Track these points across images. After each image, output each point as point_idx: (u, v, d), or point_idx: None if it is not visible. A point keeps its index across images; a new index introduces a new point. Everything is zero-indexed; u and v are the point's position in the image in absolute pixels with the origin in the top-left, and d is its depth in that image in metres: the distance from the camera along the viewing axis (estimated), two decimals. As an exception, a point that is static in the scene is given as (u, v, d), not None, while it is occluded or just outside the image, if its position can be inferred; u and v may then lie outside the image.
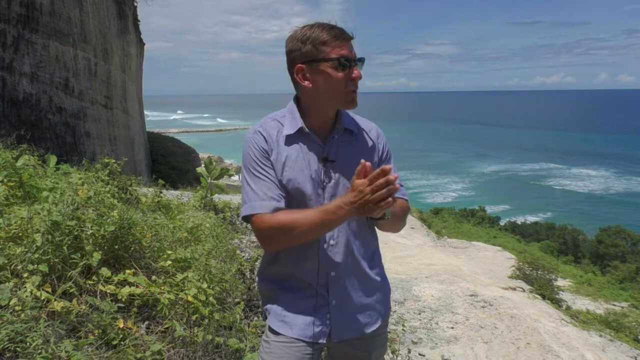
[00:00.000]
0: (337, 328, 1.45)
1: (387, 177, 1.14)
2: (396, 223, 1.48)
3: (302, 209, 1.38)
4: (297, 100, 1.47)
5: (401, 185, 1.51)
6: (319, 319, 1.43)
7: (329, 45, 1.33)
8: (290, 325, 1.44)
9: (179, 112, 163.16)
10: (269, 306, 1.51)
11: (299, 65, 1.37)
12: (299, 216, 1.31)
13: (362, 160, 1.20)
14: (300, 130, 1.41)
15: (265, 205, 1.34)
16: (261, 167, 1.39)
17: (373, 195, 1.15)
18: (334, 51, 1.33)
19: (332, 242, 1.42)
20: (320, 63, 1.34)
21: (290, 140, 1.41)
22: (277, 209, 1.34)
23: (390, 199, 1.16)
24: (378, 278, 1.53)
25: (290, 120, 1.43)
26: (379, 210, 1.18)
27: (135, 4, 17.82)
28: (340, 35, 1.34)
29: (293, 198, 1.41)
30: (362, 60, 1.38)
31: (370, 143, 1.51)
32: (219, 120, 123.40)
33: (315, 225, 1.28)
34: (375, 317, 1.52)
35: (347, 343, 1.48)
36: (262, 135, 1.42)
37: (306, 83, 1.38)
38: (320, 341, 1.44)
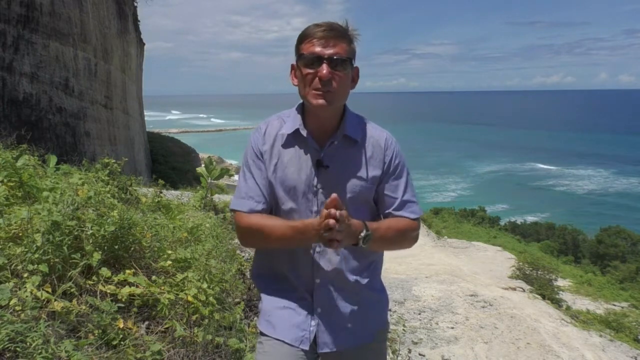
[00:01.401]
0: (322, 337, 1.41)
1: (327, 221, 1.15)
2: (391, 245, 1.42)
3: (293, 214, 1.39)
4: None
5: (412, 202, 1.44)
6: (302, 324, 1.40)
7: (303, 42, 1.33)
8: (274, 326, 1.42)
9: (173, 112, 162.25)
10: (260, 308, 1.50)
11: (292, 63, 1.39)
12: (268, 224, 1.34)
13: (334, 194, 1.18)
14: (297, 131, 1.40)
15: (243, 204, 1.39)
16: (251, 166, 1.42)
17: (323, 233, 1.18)
18: (304, 48, 1.32)
19: (318, 249, 1.40)
20: (298, 61, 1.35)
21: (288, 140, 1.41)
22: (252, 211, 1.38)
23: (333, 242, 1.18)
24: (372, 290, 1.47)
25: (292, 120, 1.42)
26: (330, 246, 1.20)
27: (135, 4, 17.83)
28: (313, 33, 1.30)
29: (284, 200, 1.40)
30: (335, 59, 1.28)
31: (374, 154, 1.42)
32: (213, 120, 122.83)
33: (282, 239, 1.32)
34: (368, 330, 1.46)
35: (337, 356, 1.43)
36: (261, 133, 1.43)
37: (294, 81, 1.39)
38: (302, 347, 1.39)
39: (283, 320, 1.42)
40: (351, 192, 1.38)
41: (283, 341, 1.40)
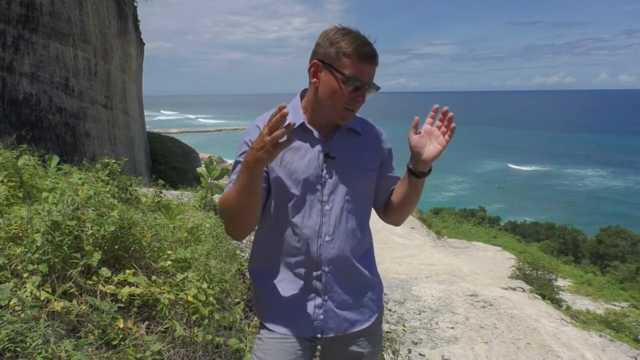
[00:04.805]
0: (329, 324, 1.45)
1: (282, 112, 1.12)
2: (418, 197, 1.50)
3: (301, 205, 1.40)
4: (302, 96, 1.48)
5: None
6: (311, 315, 1.43)
7: (350, 59, 1.31)
8: (282, 321, 1.44)
9: (162, 111, 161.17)
10: (260, 302, 1.51)
11: (316, 60, 1.37)
12: (227, 189, 1.34)
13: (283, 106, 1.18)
14: (302, 125, 1.42)
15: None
16: (243, 157, 1.40)
17: (271, 136, 1.13)
18: (351, 67, 1.32)
19: (327, 238, 1.42)
20: (334, 70, 1.33)
21: (291, 135, 1.42)
22: None
23: (285, 138, 1.14)
24: (371, 275, 1.54)
25: (293, 114, 1.43)
26: (276, 152, 1.16)
27: (135, 4, 17.80)
28: (365, 56, 1.32)
29: (292, 191, 1.41)
30: (375, 87, 1.37)
31: (374, 144, 1.52)
32: (200, 120, 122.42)
33: (235, 189, 1.27)
34: (368, 314, 1.53)
35: (340, 340, 1.49)
36: (259, 128, 1.41)
37: (314, 80, 1.38)
38: (312, 336, 1.44)
39: (291, 314, 1.44)
40: (358, 179, 1.46)
41: (287, 335, 1.42)
